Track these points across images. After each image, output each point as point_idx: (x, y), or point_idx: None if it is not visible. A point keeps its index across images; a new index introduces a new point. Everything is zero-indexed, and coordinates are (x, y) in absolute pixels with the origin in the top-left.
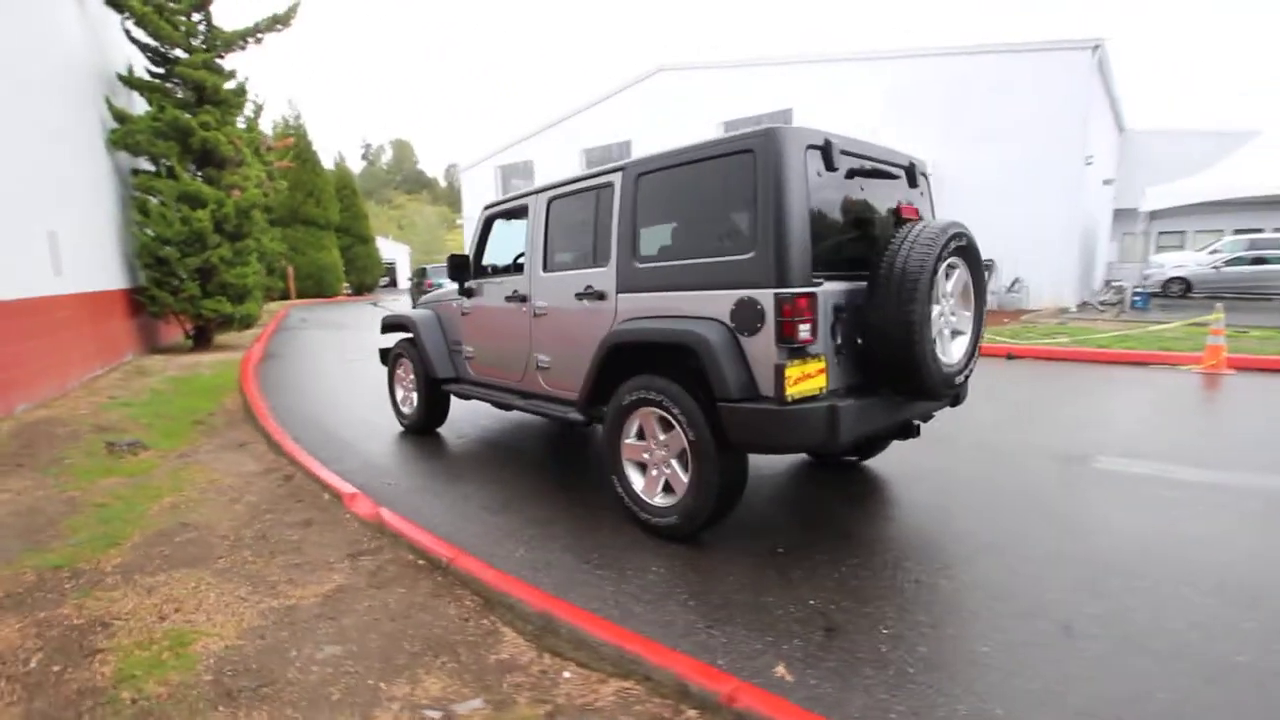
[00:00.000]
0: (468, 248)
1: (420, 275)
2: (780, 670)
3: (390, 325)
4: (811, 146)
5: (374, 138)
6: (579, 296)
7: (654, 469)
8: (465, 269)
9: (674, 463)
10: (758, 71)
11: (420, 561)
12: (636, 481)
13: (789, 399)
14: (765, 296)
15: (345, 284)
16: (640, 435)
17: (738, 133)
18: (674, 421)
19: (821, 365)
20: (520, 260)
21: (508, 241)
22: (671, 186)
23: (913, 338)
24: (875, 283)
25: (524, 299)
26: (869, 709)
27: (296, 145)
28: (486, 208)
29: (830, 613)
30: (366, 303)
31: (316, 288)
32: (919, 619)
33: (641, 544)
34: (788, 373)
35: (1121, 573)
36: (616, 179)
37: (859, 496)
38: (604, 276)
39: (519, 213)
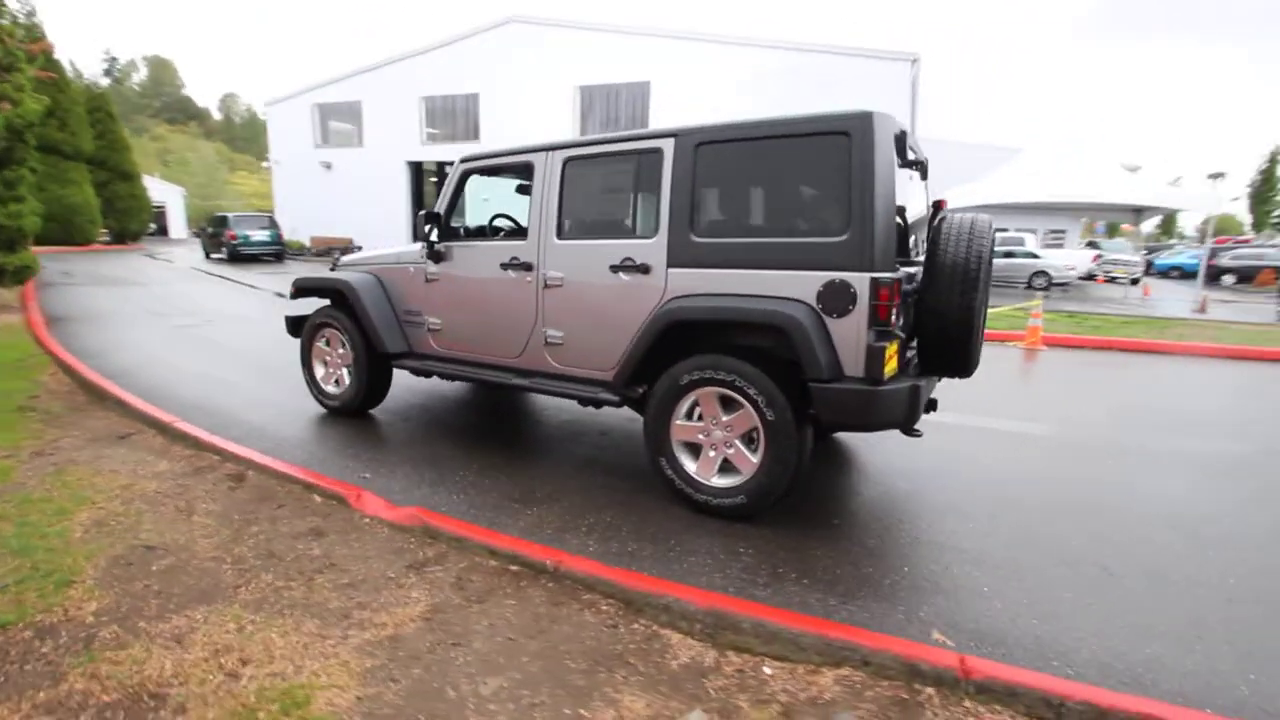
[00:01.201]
0: (279, 196)
1: (218, 225)
2: (939, 635)
3: (306, 289)
4: (895, 135)
5: (122, 51)
6: (614, 269)
7: (711, 450)
8: (437, 228)
9: (738, 443)
10: (616, 39)
11: (512, 568)
12: (688, 464)
13: (884, 379)
14: (859, 280)
15: (102, 229)
16: (690, 416)
17: (826, 113)
18: (746, 401)
19: (897, 347)
20: (498, 223)
21: (483, 201)
22: (741, 161)
23: (973, 323)
24: (937, 271)
25: (527, 267)
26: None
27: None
28: (465, 160)
29: (931, 574)
30: (138, 253)
31: (63, 233)
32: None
33: (699, 525)
34: (885, 354)
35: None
36: (667, 146)
37: (832, 459)
38: (650, 249)
39: (516, 170)
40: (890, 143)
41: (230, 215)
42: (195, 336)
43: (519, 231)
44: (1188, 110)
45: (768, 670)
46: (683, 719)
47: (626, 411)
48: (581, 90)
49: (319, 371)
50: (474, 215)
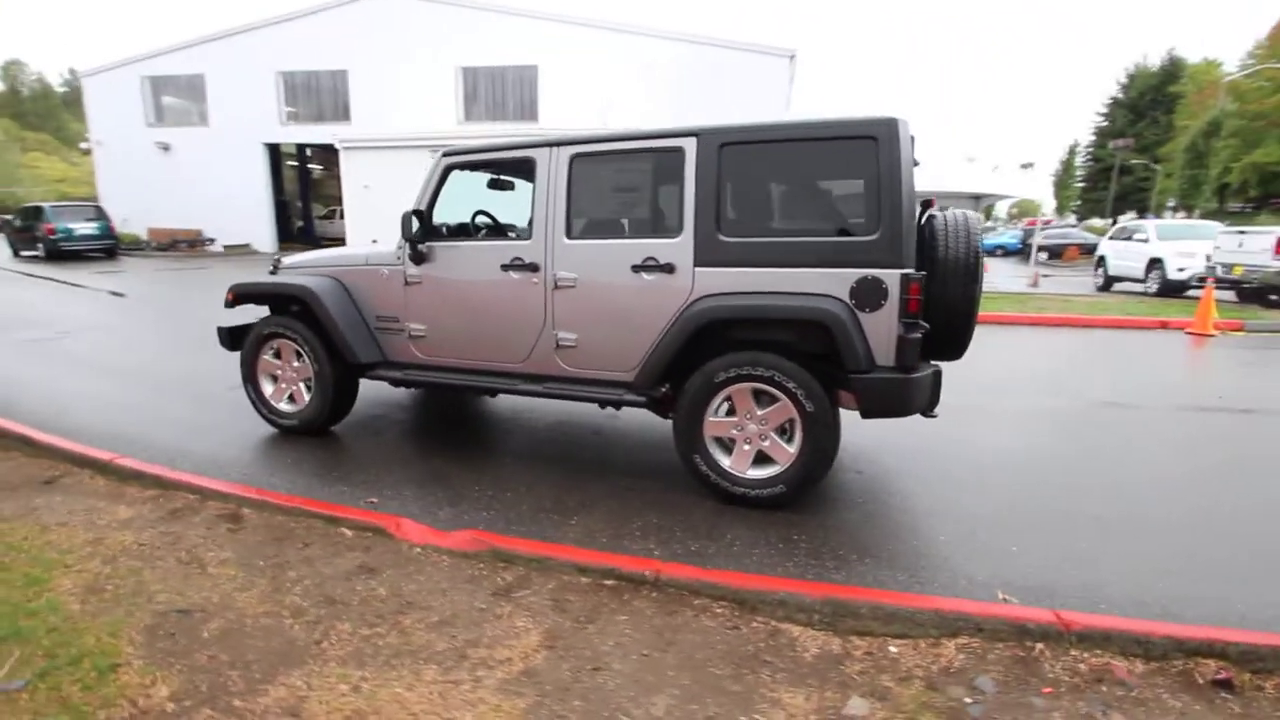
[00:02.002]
0: (103, 183)
1: (30, 217)
2: (1003, 595)
3: (249, 296)
4: (910, 138)
5: None
6: (636, 269)
7: (745, 444)
8: (422, 228)
9: (773, 435)
10: (501, 20)
11: (607, 583)
12: (722, 459)
13: (916, 368)
14: (890, 276)
15: None
16: (721, 412)
17: (852, 118)
18: (784, 395)
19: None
20: (475, 221)
21: (458, 198)
22: (766, 161)
23: (974, 312)
24: (940, 265)
25: (533, 268)
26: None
27: None
28: (448, 154)
29: (965, 540)
30: None
31: None
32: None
33: (744, 517)
34: (919, 345)
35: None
36: (688, 145)
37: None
38: (674, 249)
39: (511, 166)
40: (910, 145)
41: (46, 206)
42: (57, 353)
43: (498, 230)
44: (1017, 101)
45: (893, 649)
46: (846, 707)
47: (611, 410)
48: (464, 72)
49: (267, 388)
50: (445, 213)
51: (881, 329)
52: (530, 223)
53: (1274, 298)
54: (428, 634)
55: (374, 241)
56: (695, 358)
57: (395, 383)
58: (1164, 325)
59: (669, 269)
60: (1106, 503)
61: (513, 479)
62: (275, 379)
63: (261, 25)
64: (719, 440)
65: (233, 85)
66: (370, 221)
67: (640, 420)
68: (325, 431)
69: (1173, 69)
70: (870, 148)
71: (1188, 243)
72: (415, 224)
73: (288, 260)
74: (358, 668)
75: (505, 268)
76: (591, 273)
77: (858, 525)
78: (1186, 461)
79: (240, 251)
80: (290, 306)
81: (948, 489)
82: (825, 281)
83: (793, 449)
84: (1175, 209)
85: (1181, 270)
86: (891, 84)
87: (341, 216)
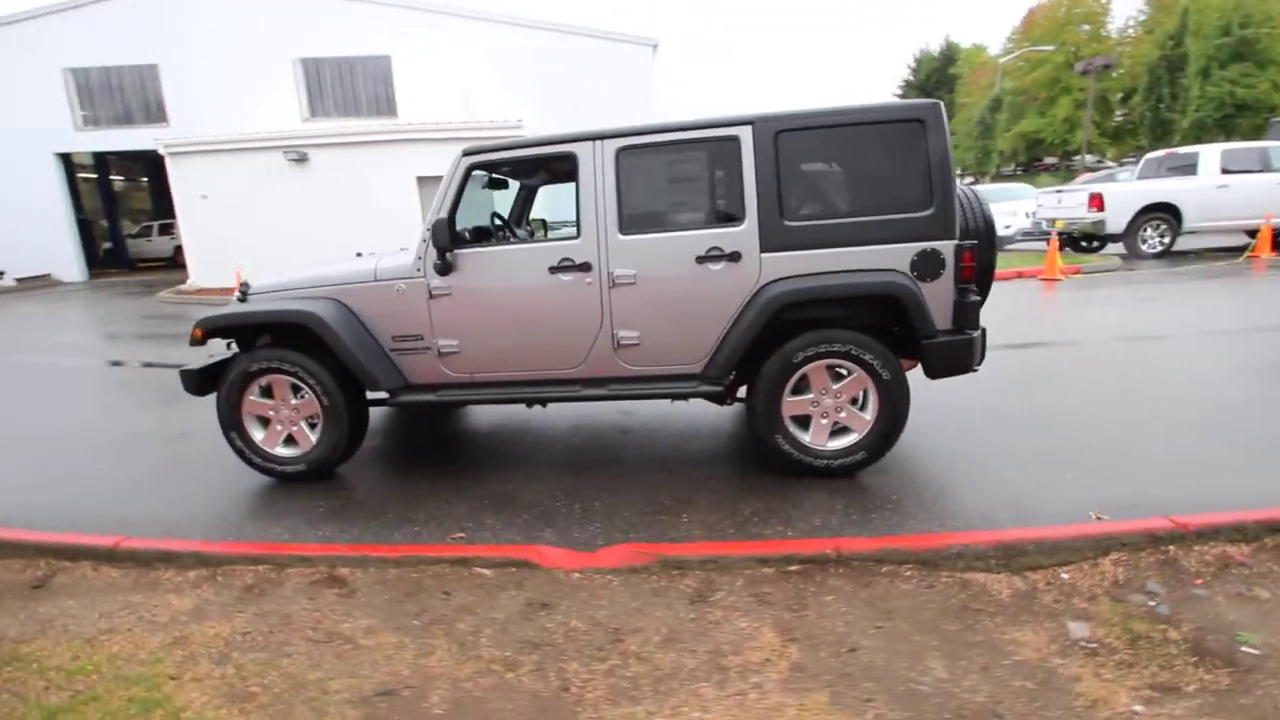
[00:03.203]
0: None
1: None
2: (1095, 514)
3: (224, 330)
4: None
5: None
6: (700, 260)
7: (822, 418)
8: (451, 236)
9: (849, 406)
10: (345, 6)
11: (792, 568)
12: (802, 435)
13: (976, 328)
14: (946, 247)
15: None
16: (797, 391)
17: (901, 102)
18: (860, 367)
19: None
20: (506, 221)
21: (475, 201)
22: (821, 146)
23: (992, 278)
24: (968, 233)
25: (585, 267)
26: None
27: None
28: (469, 153)
29: (1029, 473)
30: None
31: None
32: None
33: (831, 488)
34: (978, 308)
35: None
36: (743, 134)
37: None
38: (739, 236)
39: (546, 163)
40: (947, 126)
41: None
42: None
43: (540, 228)
44: (830, 85)
45: (1065, 576)
46: (1070, 633)
47: (623, 408)
48: (304, 64)
49: (256, 433)
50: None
51: (940, 296)
52: (577, 221)
53: (1084, 243)
54: (665, 655)
55: (359, 255)
56: (765, 342)
57: (425, 406)
58: (1020, 275)
59: (735, 257)
60: (1098, 433)
61: (585, 489)
62: (265, 421)
63: (41, 13)
64: (795, 418)
65: (8, 86)
66: (216, 236)
67: (655, 411)
68: (332, 473)
69: (950, 53)
70: (918, 129)
71: (1007, 204)
72: (447, 233)
73: (258, 284)
74: (633, 704)
75: (553, 270)
76: (652, 268)
77: (930, 475)
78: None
79: (40, 285)
80: (261, 337)
81: (979, 431)
82: (887, 257)
83: (869, 416)
84: (963, 175)
85: (1007, 227)
86: (735, 71)
87: (164, 233)
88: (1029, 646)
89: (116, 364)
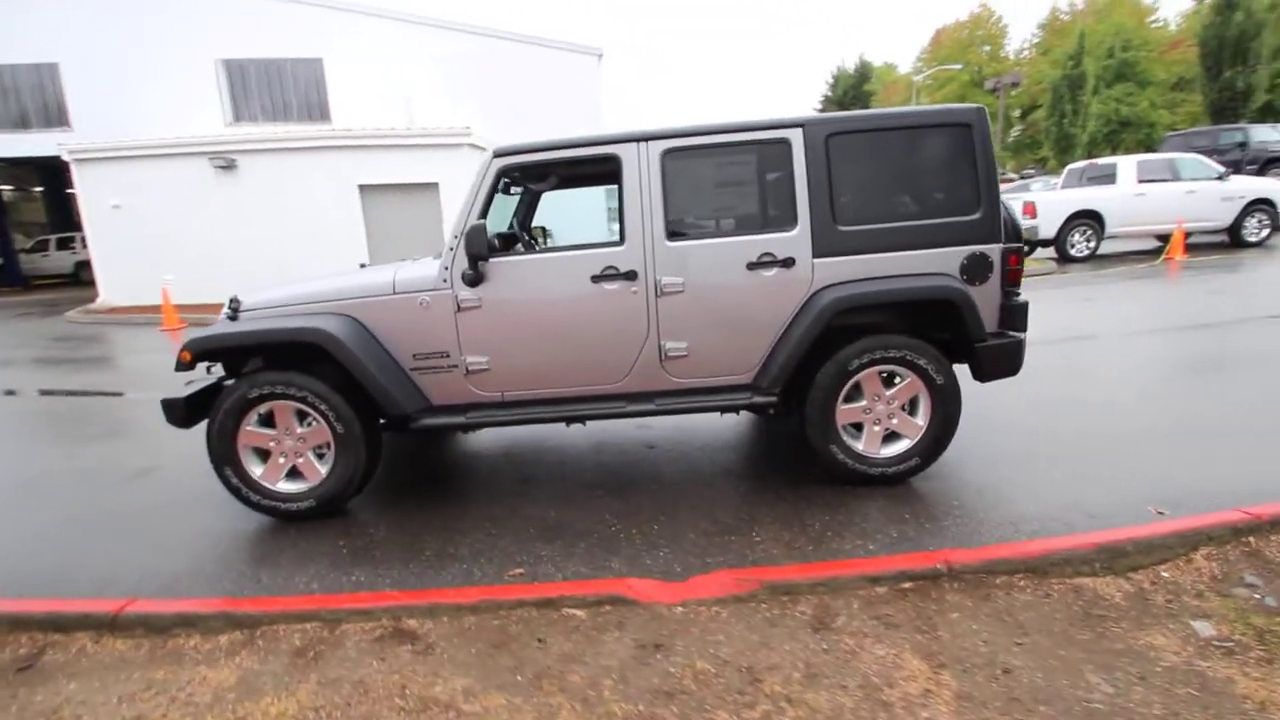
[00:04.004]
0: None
1: None
2: (1153, 508)
3: (217, 352)
4: None
5: None
6: (752, 266)
7: (874, 425)
8: (486, 244)
9: (901, 412)
10: (272, 6)
11: (905, 585)
12: (855, 443)
13: (1024, 332)
14: (994, 251)
15: None
16: (848, 399)
17: (948, 107)
18: (914, 372)
19: None
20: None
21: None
22: (871, 150)
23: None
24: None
25: (630, 275)
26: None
27: None
28: (500, 154)
29: (1079, 471)
30: None
31: None
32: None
33: (901, 498)
34: (1027, 310)
35: None
36: (794, 136)
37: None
38: (791, 242)
39: (584, 165)
40: (990, 132)
41: None
42: None
43: (530, 235)
44: (756, 100)
45: (1165, 574)
46: (1198, 633)
47: (641, 422)
48: (227, 65)
49: (254, 468)
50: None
51: (988, 299)
52: (621, 226)
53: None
54: (817, 694)
55: (362, 266)
56: (818, 350)
57: (441, 430)
58: None
59: (788, 263)
60: (1130, 425)
61: (636, 511)
62: (265, 454)
63: None
64: (848, 427)
65: None
66: (133, 250)
67: (674, 424)
68: (344, 509)
69: (864, 71)
70: (966, 134)
71: None
72: (484, 239)
73: (251, 300)
74: None
75: (596, 279)
76: (701, 275)
77: (984, 483)
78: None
79: None
80: (251, 359)
81: (1004, 435)
82: (937, 261)
83: (921, 421)
84: None
85: None
86: (673, 82)
87: (64, 247)
88: (1168, 650)
89: (46, 393)
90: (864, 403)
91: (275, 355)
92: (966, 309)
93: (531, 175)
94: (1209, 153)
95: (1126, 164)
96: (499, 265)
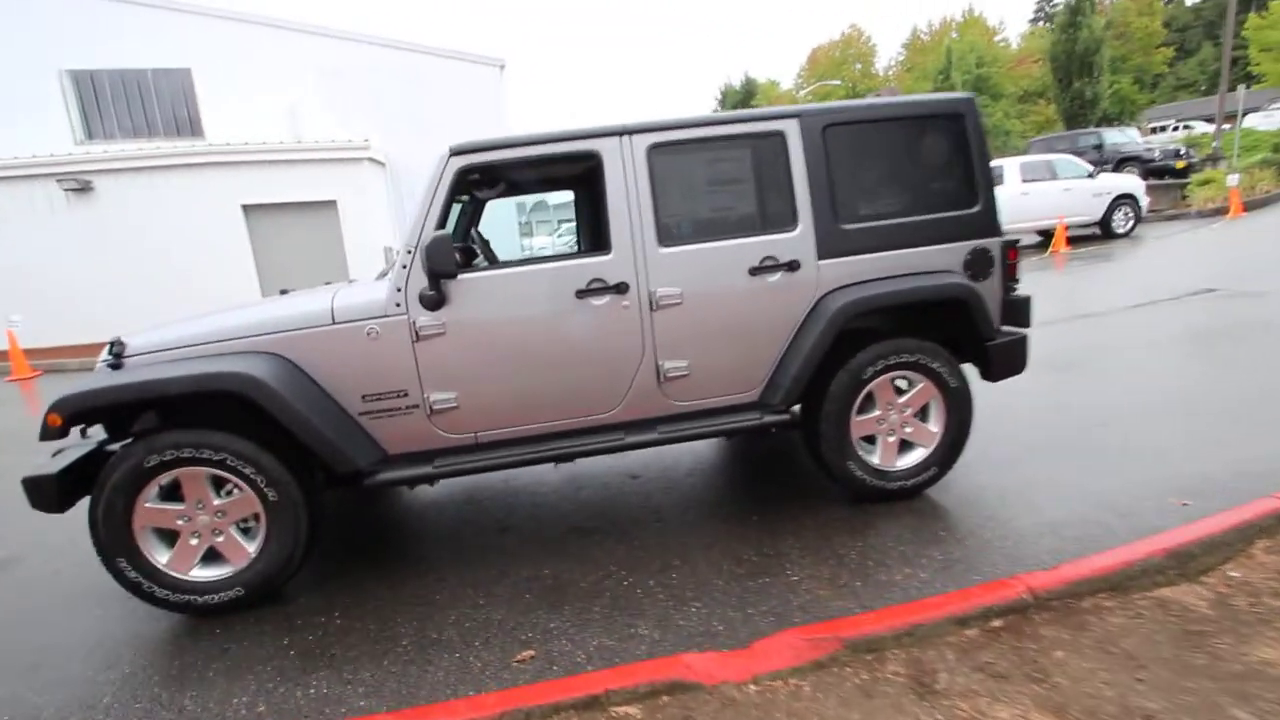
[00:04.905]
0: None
1: None
2: (1173, 500)
3: (100, 408)
4: None
5: None
6: (755, 271)
7: (889, 436)
8: (452, 259)
9: (915, 420)
10: (127, 11)
11: (994, 624)
12: (871, 458)
13: (1028, 327)
14: (994, 245)
15: None
16: (862, 410)
17: (939, 96)
18: (927, 377)
19: None
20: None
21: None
22: (867, 142)
23: None
24: None
25: (620, 289)
26: None
27: None
28: (458, 152)
29: (1102, 466)
30: None
31: None
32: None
33: (932, 514)
34: (1031, 303)
35: None
36: (789, 128)
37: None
38: (794, 243)
39: (556, 164)
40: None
41: None
42: None
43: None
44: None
45: (1233, 573)
46: None
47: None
48: (75, 76)
49: (158, 555)
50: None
51: (991, 296)
52: (604, 233)
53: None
54: None
55: (284, 292)
56: (836, 358)
57: (406, 483)
58: None
59: (793, 266)
60: (1155, 413)
61: (644, 557)
62: (172, 536)
63: None
64: (861, 440)
65: None
66: None
67: (654, 451)
68: (280, 592)
69: (749, 88)
70: (959, 123)
71: None
72: (449, 253)
73: (139, 342)
74: None
75: (581, 294)
76: (699, 284)
77: (1002, 483)
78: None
79: None
80: (142, 416)
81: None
82: (941, 257)
83: (935, 428)
84: None
85: None
86: (575, 94)
87: None
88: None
89: None
90: (877, 412)
91: (176, 409)
92: (977, 307)
93: (493, 176)
94: (1069, 155)
95: (1011, 166)
96: (465, 283)
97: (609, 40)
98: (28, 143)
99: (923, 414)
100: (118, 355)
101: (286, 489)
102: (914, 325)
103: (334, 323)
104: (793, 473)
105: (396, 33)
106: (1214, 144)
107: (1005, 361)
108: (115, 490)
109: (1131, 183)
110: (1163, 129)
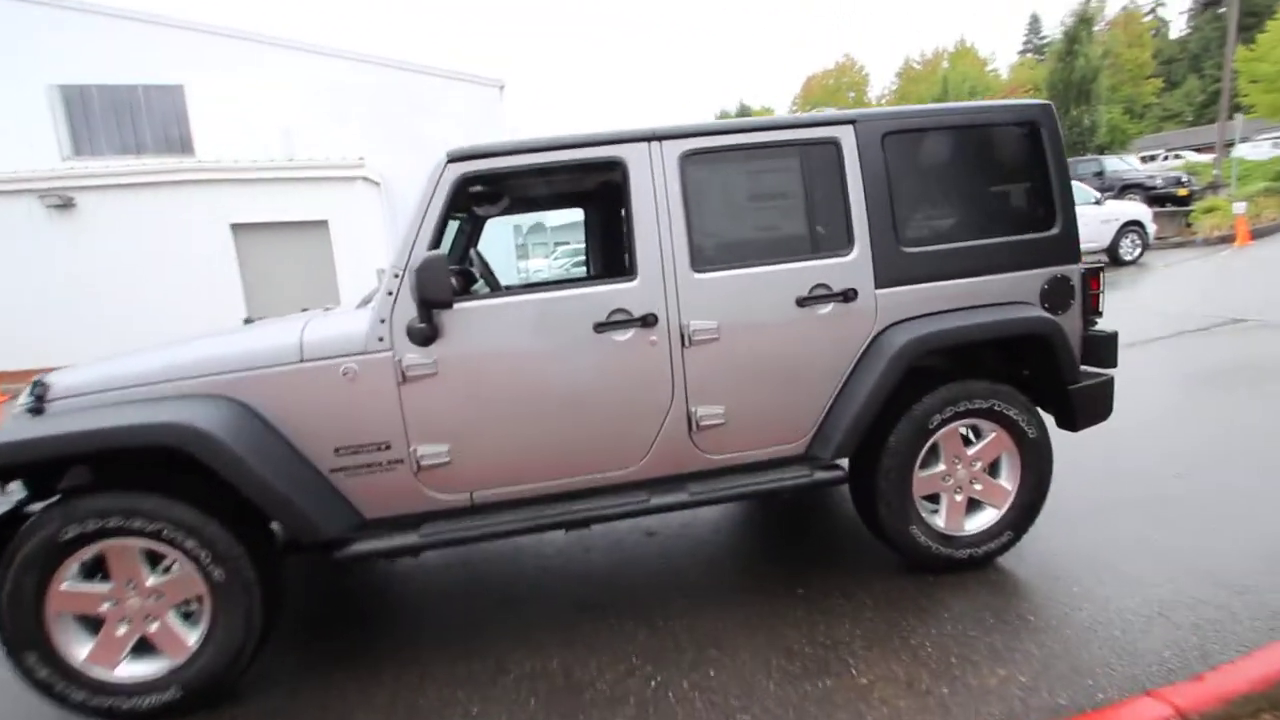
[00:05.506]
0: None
1: None
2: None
3: (15, 466)
4: None
5: None
6: (803, 302)
7: (954, 494)
8: (448, 285)
9: (983, 476)
10: (120, 27)
11: None
12: (936, 520)
13: (1115, 367)
14: (1073, 272)
15: None
16: (924, 464)
17: (1013, 102)
18: (1001, 426)
19: None
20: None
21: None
22: (932, 154)
23: None
24: None
25: (647, 321)
26: None
27: None
28: (456, 158)
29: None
30: None
31: None
32: None
33: (974, 583)
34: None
35: None
36: (844, 135)
37: None
38: (849, 269)
39: (570, 173)
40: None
41: None
42: None
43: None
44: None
45: None
46: None
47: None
48: (64, 91)
49: (77, 648)
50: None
51: (1072, 331)
52: (629, 255)
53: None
54: None
55: (247, 321)
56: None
57: (398, 555)
58: None
59: (848, 296)
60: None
61: (675, 645)
62: (96, 623)
63: None
64: (925, 499)
65: None
66: None
67: None
68: (231, 691)
69: (745, 114)
70: (1034, 134)
71: None
72: (444, 277)
73: (66, 382)
74: None
75: (601, 327)
76: (739, 316)
77: (1072, 546)
78: None
79: None
80: (71, 471)
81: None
82: (1016, 287)
83: (1009, 485)
84: None
85: None
86: (572, 119)
87: None
88: None
89: None
90: (942, 467)
91: (110, 464)
92: (1061, 345)
93: (496, 188)
94: (1075, 181)
95: None
96: (462, 314)
97: (606, 65)
98: (13, 159)
99: (992, 469)
100: (40, 398)
101: (237, 566)
102: (976, 365)
103: (302, 360)
104: (830, 529)
105: (394, 52)
106: (1214, 172)
107: (1089, 408)
108: (24, 568)
109: (1138, 209)
110: (1152, 158)
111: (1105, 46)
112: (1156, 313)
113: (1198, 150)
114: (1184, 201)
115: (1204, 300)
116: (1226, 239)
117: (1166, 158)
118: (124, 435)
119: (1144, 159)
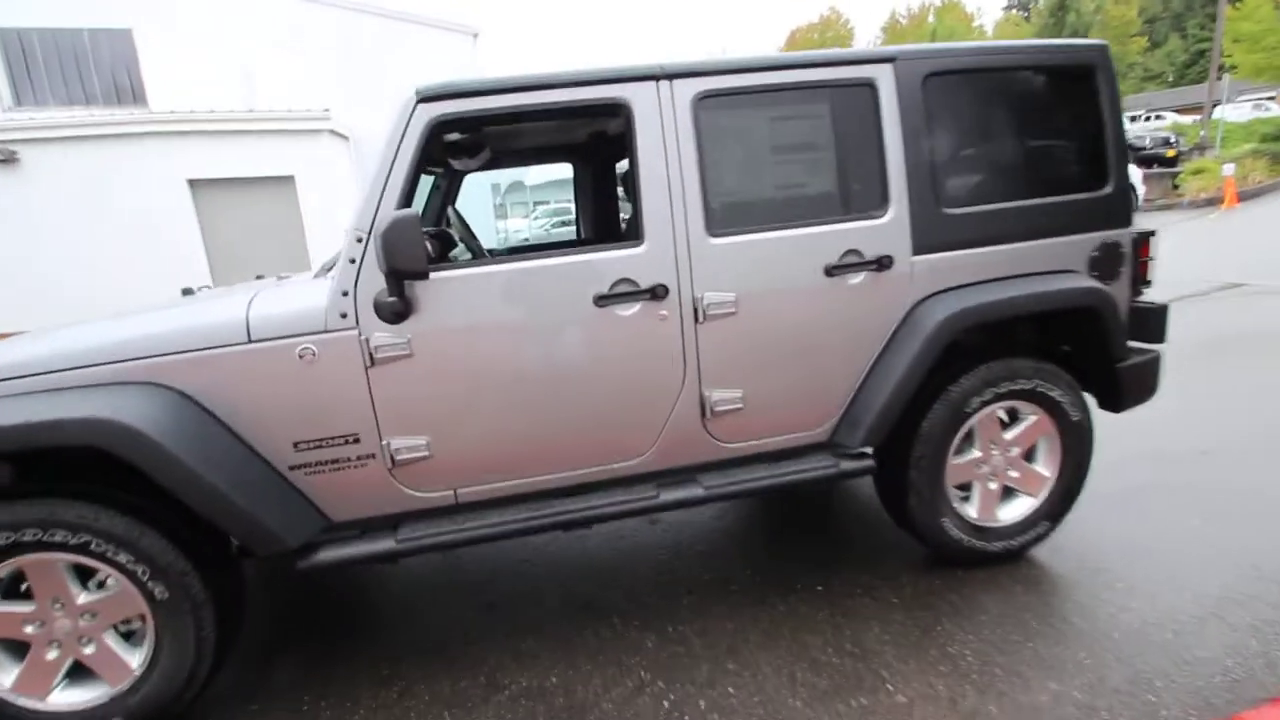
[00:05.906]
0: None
1: None
2: None
3: None
4: None
5: None
6: (832, 271)
7: (987, 482)
8: (422, 251)
9: (1021, 462)
10: None
11: None
12: (969, 511)
13: (1163, 341)
14: (1125, 237)
15: None
16: (958, 450)
17: (1060, 43)
18: (1043, 408)
19: None
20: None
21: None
22: (976, 99)
23: None
24: None
25: (656, 293)
26: None
27: None
28: (427, 98)
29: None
30: None
31: None
32: None
33: (1007, 578)
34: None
35: None
36: (882, 75)
37: None
38: (884, 233)
39: (566, 118)
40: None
41: None
42: None
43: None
44: None
45: None
46: None
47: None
48: (1, 36)
49: (2, 676)
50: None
51: (1121, 303)
52: (633, 217)
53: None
54: None
55: (187, 292)
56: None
57: (371, 562)
58: None
59: (883, 264)
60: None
61: (687, 653)
62: (22, 649)
63: None
64: (958, 487)
65: None
66: None
67: None
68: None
69: None
70: (1090, 79)
71: None
72: (418, 240)
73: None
74: None
75: (603, 300)
76: (760, 286)
77: (1147, 540)
78: None
79: None
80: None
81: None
82: (1063, 254)
83: (1047, 472)
84: None
85: None
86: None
87: None
88: None
89: None
90: (977, 453)
91: (27, 465)
92: (1112, 319)
93: (476, 136)
94: None
95: None
96: (439, 285)
97: (583, 15)
98: None
99: (1028, 454)
100: None
101: (182, 581)
102: (1011, 341)
103: (250, 340)
104: (843, 512)
105: None
106: (1201, 133)
107: (1136, 388)
108: None
109: (1129, 170)
110: (1134, 119)
111: (1097, 1)
112: (1153, 276)
113: (1179, 111)
114: (1171, 163)
115: (1198, 265)
116: (1214, 201)
117: (1149, 118)
118: (24, 433)
119: (1129, 119)
